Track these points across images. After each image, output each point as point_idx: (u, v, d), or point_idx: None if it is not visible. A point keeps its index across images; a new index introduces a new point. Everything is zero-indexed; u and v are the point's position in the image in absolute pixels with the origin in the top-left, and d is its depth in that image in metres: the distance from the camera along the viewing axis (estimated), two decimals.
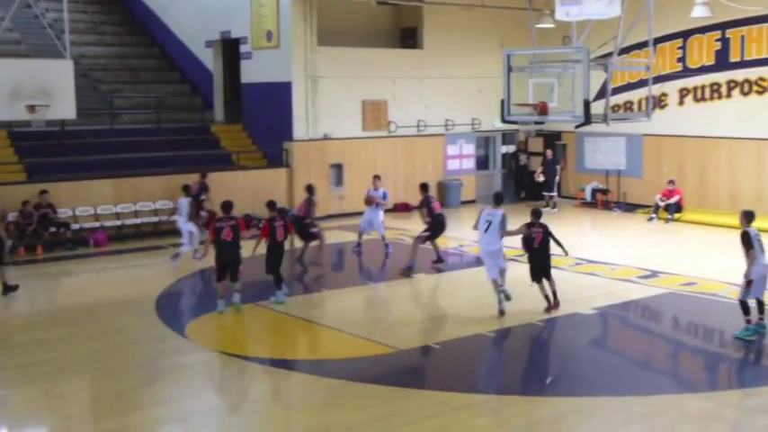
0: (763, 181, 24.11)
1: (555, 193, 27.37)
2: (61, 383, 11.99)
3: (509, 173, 30.12)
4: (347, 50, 26.10)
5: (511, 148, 30.19)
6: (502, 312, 14.93)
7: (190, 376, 12.34)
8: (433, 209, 18.62)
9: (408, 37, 28.18)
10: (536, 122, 19.80)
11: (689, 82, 25.63)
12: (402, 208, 26.68)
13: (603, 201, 27.40)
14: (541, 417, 10.82)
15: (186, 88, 29.86)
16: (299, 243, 18.93)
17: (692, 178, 25.57)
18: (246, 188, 23.37)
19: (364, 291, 17.87)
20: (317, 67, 25.33)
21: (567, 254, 15.31)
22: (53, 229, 21.12)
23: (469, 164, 29.03)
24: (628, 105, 26.68)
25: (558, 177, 27.60)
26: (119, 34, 31.61)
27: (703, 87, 25.36)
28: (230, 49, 28.08)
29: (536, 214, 15.22)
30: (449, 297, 17.21)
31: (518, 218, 16.39)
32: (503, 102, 17.56)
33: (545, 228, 15.12)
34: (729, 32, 24.46)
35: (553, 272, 15.36)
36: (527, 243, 15.13)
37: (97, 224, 22.17)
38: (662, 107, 25.88)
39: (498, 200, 15.68)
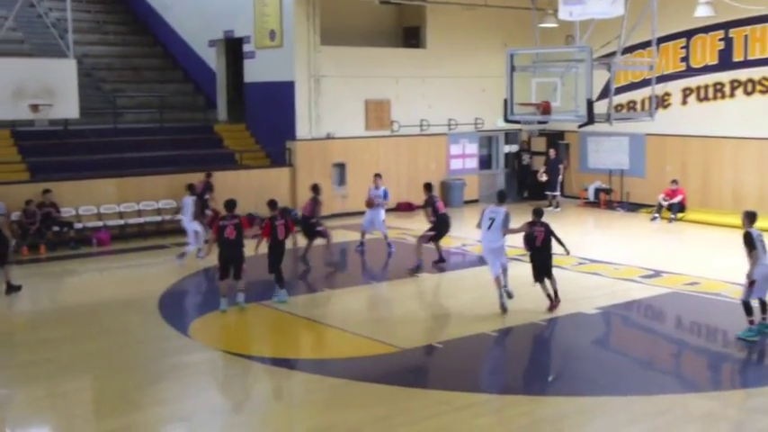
0: (767, 180, 24.07)
1: (558, 193, 27.35)
2: (64, 382, 12.01)
3: (512, 172, 30.11)
4: (350, 50, 26.10)
5: (514, 148, 30.17)
6: (504, 309, 14.98)
7: (193, 375, 12.34)
8: (438, 208, 18.63)
9: (411, 36, 28.17)
10: (539, 122, 19.87)
11: (692, 81, 25.60)
12: (405, 207, 26.70)
13: (606, 200, 27.38)
14: (544, 416, 10.82)
15: (189, 87, 29.87)
16: (302, 242, 18.98)
17: (695, 178, 25.54)
18: (249, 187, 23.37)
19: (367, 290, 17.88)
20: (320, 67, 25.33)
21: (568, 253, 15.30)
22: (56, 229, 21.14)
23: (472, 163, 29.01)
24: (631, 105, 26.68)
25: (560, 177, 27.58)
26: (122, 33, 31.62)
27: (706, 87, 25.33)
28: (233, 48, 28.09)
29: (537, 213, 15.24)
30: (452, 296, 17.20)
31: (521, 217, 16.37)
32: (506, 101, 17.55)
33: (547, 227, 15.14)
34: (733, 32, 24.44)
35: (556, 271, 15.37)
36: (529, 242, 15.14)
37: (100, 223, 22.18)
38: (665, 107, 25.86)
39: (501, 198, 15.81)
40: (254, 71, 26.65)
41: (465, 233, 21.41)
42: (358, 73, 26.07)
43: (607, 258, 19.45)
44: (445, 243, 19.39)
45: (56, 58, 23.34)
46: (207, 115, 28.46)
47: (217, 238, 15.36)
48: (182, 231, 21.08)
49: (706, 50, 25.23)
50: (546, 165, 27.67)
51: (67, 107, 22.27)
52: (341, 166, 25.97)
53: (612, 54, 17.37)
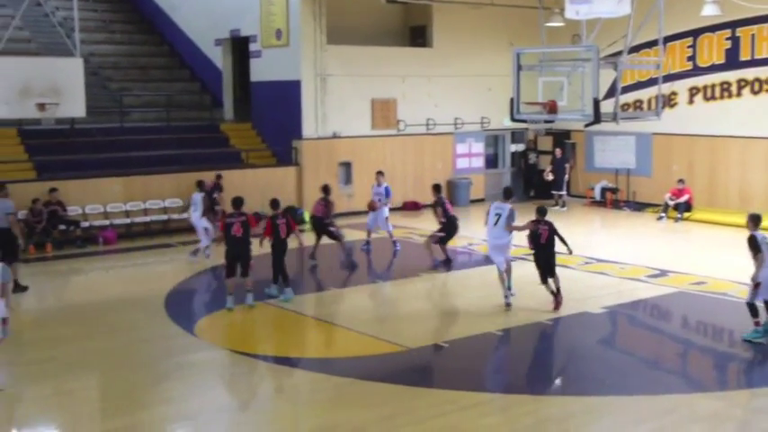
0: None
1: (564, 192, 27.32)
2: (71, 381, 12.03)
3: (518, 171, 30.08)
4: (356, 49, 26.10)
5: (520, 147, 30.14)
6: (508, 305, 15.08)
7: (198, 374, 12.34)
8: (447, 210, 18.64)
9: (418, 35, 28.16)
10: (545, 121, 19.77)
11: (699, 81, 25.55)
12: (411, 207, 26.70)
13: (613, 200, 27.34)
14: (550, 415, 10.81)
15: (196, 86, 29.90)
16: (309, 240, 18.99)
17: (701, 177, 25.49)
18: (256, 186, 23.36)
19: (373, 289, 17.87)
20: (327, 66, 25.33)
21: (571, 252, 15.30)
22: (62, 227, 21.17)
23: (479, 162, 29.00)
24: (637, 104, 26.63)
25: (567, 176, 27.56)
26: (128, 32, 31.65)
27: (713, 86, 25.28)
28: (240, 47, 28.10)
29: (541, 212, 15.31)
30: (457, 295, 17.21)
31: (526, 216, 16.35)
32: (512, 100, 17.54)
33: (551, 225, 15.17)
34: (740, 31, 24.38)
35: (562, 271, 15.38)
36: (534, 239, 15.18)
37: (107, 222, 22.21)
38: (672, 106, 25.81)
39: (507, 194, 15.88)
40: (261, 70, 26.67)
41: (471, 232, 21.39)
42: (364, 72, 26.07)
43: (613, 258, 19.43)
44: (451, 242, 19.36)
45: (62, 57, 23.38)
46: (213, 114, 28.47)
47: (224, 236, 15.39)
48: (188, 230, 21.16)
49: (713, 49, 25.18)
50: (552, 164, 27.65)
51: (74, 106, 22.32)
52: (347, 165, 25.97)
53: (619, 53, 17.36)
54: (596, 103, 16.18)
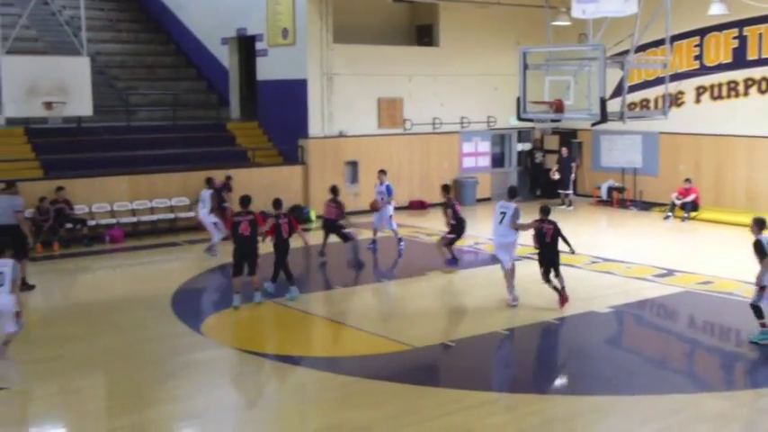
0: None
1: (570, 191, 27.31)
2: (77, 379, 12.05)
3: (524, 170, 30.05)
4: (363, 48, 26.11)
5: (527, 146, 30.11)
6: (515, 300, 15.10)
7: (205, 373, 12.36)
8: (457, 211, 18.64)
9: (424, 34, 28.16)
10: (552, 120, 19.74)
11: (706, 80, 25.50)
12: (417, 206, 26.71)
13: (619, 199, 27.31)
14: (556, 415, 10.79)
15: (202, 85, 29.94)
16: (315, 239, 18.99)
17: (708, 176, 25.44)
18: (262, 185, 23.36)
19: (379, 288, 17.88)
20: (333, 65, 25.34)
21: (573, 252, 15.34)
22: (69, 226, 21.21)
23: (485, 161, 29.00)
24: (644, 103, 26.60)
25: (573, 175, 27.55)
26: (135, 31, 31.71)
27: (720, 85, 25.23)
28: (246, 46, 28.13)
29: (545, 211, 15.36)
30: (464, 294, 17.20)
31: (532, 216, 16.34)
32: (518, 99, 17.52)
33: (555, 224, 15.20)
34: (747, 30, 24.32)
35: (567, 270, 15.39)
36: (539, 238, 15.20)
37: (113, 221, 22.25)
38: (678, 105, 25.75)
39: (512, 193, 15.95)
40: (267, 69, 26.69)
41: (477, 231, 21.38)
42: (371, 71, 26.07)
43: (620, 257, 19.41)
44: (458, 242, 19.36)
45: (69, 56, 23.46)
46: (220, 113, 28.51)
47: (231, 235, 15.43)
48: (195, 228, 21.21)
49: (720, 49, 25.13)
50: (558, 163, 27.62)
51: (81, 105, 22.40)
52: (353, 165, 25.98)
53: (626, 52, 17.30)
54: (603, 102, 16.14)
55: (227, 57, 28.70)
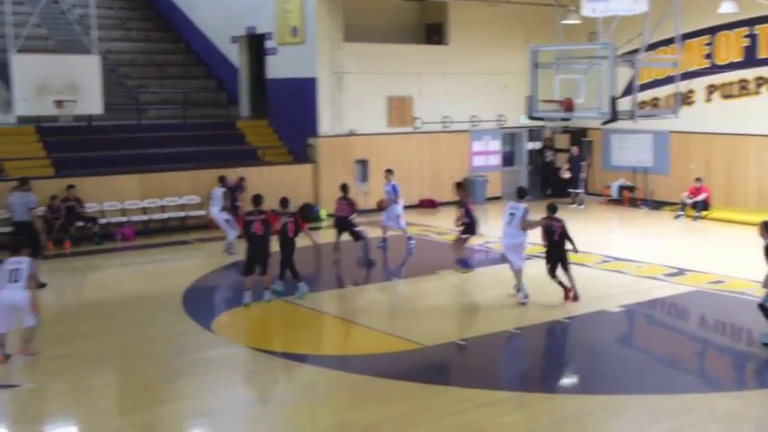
0: None
1: (581, 191, 27.26)
2: (88, 377, 12.08)
3: (535, 169, 30.02)
4: (372, 46, 26.11)
5: (537, 145, 30.07)
6: (525, 297, 15.11)
7: (215, 371, 12.38)
8: (470, 210, 18.60)
9: (434, 33, 28.14)
10: (562, 119, 19.75)
11: (716, 78, 25.42)
12: (428, 204, 26.70)
13: (630, 198, 27.26)
14: (567, 414, 10.77)
15: (212, 84, 29.98)
16: (325, 237, 19.00)
17: (719, 175, 25.37)
18: (271, 184, 23.37)
19: (389, 287, 17.89)
20: (343, 63, 25.34)
21: (576, 251, 15.39)
22: (80, 224, 21.26)
23: (495, 160, 28.96)
24: (654, 102, 26.53)
25: (584, 174, 27.51)
26: (145, 30, 31.76)
27: (731, 84, 25.15)
28: (256, 44, 28.15)
29: (552, 209, 15.45)
30: (474, 293, 17.18)
31: (540, 215, 16.31)
32: (529, 98, 17.51)
33: (562, 222, 15.22)
34: (758, 28, 24.24)
35: (579, 269, 15.37)
36: (547, 235, 15.23)
37: (124, 219, 22.30)
38: (689, 104, 25.67)
39: (521, 194, 15.90)
40: (277, 67, 26.71)
41: (488, 230, 21.34)
42: (380, 69, 26.07)
43: (630, 256, 19.37)
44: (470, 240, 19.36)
45: (79, 55, 23.54)
46: (229, 111, 28.54)
47: (244, 234, 15.46)
48: (205, 227, 21.23)
49: (730, 47, 25.05)
50: (569, 162, 27.59)
51: (91, 103, 22.48)
52: (363, 163, 25.98)
53: (636, 51, 17.28)
54: (613, 100, 16.13)
55: (236, 55, 28.73)
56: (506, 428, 10.31)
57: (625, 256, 19.33)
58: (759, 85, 24.47)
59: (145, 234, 22.36)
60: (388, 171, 20.88)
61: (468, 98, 27.86)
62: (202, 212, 22.23)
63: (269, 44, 26.86)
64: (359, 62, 25.61)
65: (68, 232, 20.93)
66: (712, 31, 25.25)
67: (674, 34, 17.93)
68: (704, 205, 24.56)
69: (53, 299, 16.69)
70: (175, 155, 24.39)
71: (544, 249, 15.60)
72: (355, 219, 19.32)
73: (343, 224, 19.29)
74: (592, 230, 22.44)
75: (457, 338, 13.75)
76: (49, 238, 20.40)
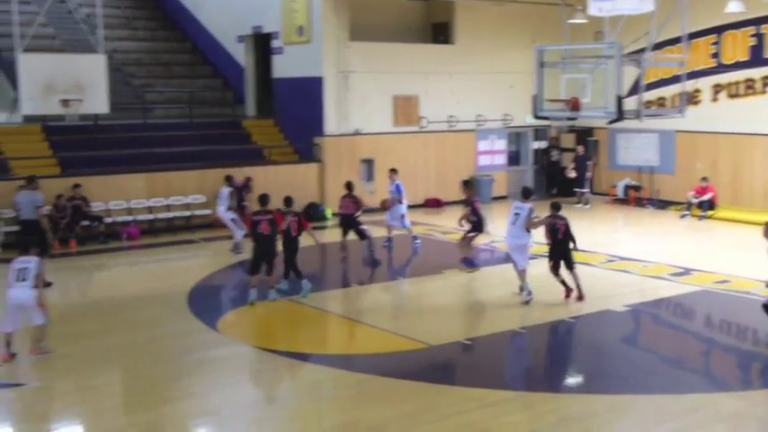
0: None
1: (587, 190, 27.22)
2: (94, 376, 12.09)
3: (540, 169, 29.98)
4: (378, 45, 26.10)
5: (543, 144, 30.04)
6: (529, 295, 15.11)
7: (221, 370, 12.39)
8: (477, 209, 18.59)
9: (440, 32, 28.13)
10: (568, 118, 19.73)
11: (723, 78, 25.37)
12: (433, 204, 26.69)
13: (636, 197, 27.22)
14: (572, 414, 10.76)
15: (218, 83, 30.00)
16: (328, 237, 19.02)
17: (725, 175, 25.32)
18: (277, 183, 23.38)
19: (394, 286, 17.89)
20: (349, 63, 25.34)
21: (577, 250, 15.42)
22: (86, 223, 21.29)
23: (501, 159, 28.94)
24: (660, 101, 26.49)
25: (589, 173, 27.47)
26: (151, 29, 31.80)
27: (737, 83, 25.10)
28: (262, 43, 28.16)
29: (556, 207, 15.47)
30: (479, 292, 17.19)
31: (544, 213, 16.31)
32: (535, 97, 17.50)
33: (566, 220, 15.23)
34: (764, 28, 24.17)
35: (585, 269, 15.35)
36: (551, 233, 15.24)
37: (130, 218, 22.32)
38: (695, 103, 25.63)
39: (526, 194, 15.88)
40: (283, 67, 26.72)
41: (493, 230, 21.33)
42: (386, 69, 26.06)
43: (636, 256, 19.33)
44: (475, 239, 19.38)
45: (86, 54, 23.58)
46: (235, 110, 28.55)
47: (251, 234, 15.48)
48: (210, 226, 21.22)
49: (737, 46, 25.00)
50: (575, 161, 27.55)
51: (97, 102, 22.51)
52: (369, 162, 25.97)
53: (642, 50, 17.26)
54: (619, 100, 16.12)
55: (242, 54, 28.75)
56: (511, 428, 10.31)
57: (631, 256, 19.30)
58: (765, 85, 24.41)
59: (150, 233, 22.37)
60: (392, 170, 20.88)
61: (474, 97, 27.84)
62: (208, 212, 22.25)
63: (275, 43, 26.87)
64: (365, 61, 25.61)
65: (74, 231, 20.96)
66: (719, 30, 25.20)
67: (680, 33, 17.94)
68: (710, 205, 24.51)
69: (59, 298, 16.70)
70: (181, 154, 24.40)
71: (547, 247, 15.62)
72: (360, 217, 19.29)
73: (348, 222, 19.28)
74: (597, 230, 22.43)
75: (462, 338, 13.74)
76: (55, 237, 20.41)
